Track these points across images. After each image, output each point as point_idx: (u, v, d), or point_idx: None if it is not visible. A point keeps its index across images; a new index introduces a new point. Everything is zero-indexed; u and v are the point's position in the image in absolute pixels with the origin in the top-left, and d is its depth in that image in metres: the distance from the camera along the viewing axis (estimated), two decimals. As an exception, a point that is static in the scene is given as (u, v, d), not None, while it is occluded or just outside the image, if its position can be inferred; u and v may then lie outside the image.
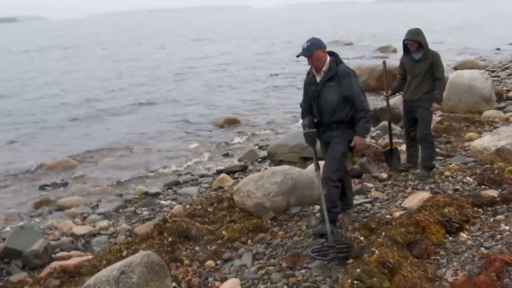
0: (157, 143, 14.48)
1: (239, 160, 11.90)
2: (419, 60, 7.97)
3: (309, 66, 6.37)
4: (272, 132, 15.14)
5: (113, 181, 11.31)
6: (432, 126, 11.47)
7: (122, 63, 35.99)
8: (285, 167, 7.99)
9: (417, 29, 8.06)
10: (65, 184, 11.26)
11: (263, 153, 11.98)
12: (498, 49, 32.78)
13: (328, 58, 6.21)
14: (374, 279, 4.62)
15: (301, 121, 6.70)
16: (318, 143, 6.53)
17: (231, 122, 16.30)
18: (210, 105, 19.92)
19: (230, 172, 10.73)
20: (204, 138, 14.87)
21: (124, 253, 6.53)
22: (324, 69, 6.17)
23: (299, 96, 7.09)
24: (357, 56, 32.98)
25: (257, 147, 13.16)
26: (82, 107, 20.40)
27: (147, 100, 21.44)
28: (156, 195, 9.97)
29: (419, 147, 8.40)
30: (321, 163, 6.38)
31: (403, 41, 8.07)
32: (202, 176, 11.00)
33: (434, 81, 7.97)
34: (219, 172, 10.99)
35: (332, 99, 6.14)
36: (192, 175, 11.22)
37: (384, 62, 9.18)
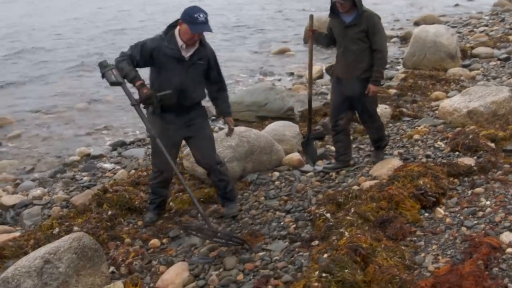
0: (103, 98, 13.19)
1: (191, 118, 10.97)
2: (350, 24, 6.02)
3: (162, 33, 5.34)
4: (228, 88, 13.98)
5: (53, 141, 10.24)
6: (396, 84, 10.95)
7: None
8: (241, 128, 7.24)
9: None
10: (-3, 144, 10.06)
11: (217, 111, 11.08)
12: (457, 4, 32.28)
13: None
14: (346, 270, 3.91)
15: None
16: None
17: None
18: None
19: (180, 131, 9.84)
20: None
21: (56, 230, 5.66)
22: (196, 45, 5.30)
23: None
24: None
25: (209, 103, 12.16)
26: (21, 65, 18.58)
27: (93, 61, 19.52)
28: (99, 157, 9.06)
29: (365, 129, 7.00)
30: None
31: None
32: (150, 135, 10.05)
33: (372, 54, 6.10)
34: (168, 131, 10.06)
35: (199, 79, 5.48)
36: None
37: (311, 17, 6.77)
